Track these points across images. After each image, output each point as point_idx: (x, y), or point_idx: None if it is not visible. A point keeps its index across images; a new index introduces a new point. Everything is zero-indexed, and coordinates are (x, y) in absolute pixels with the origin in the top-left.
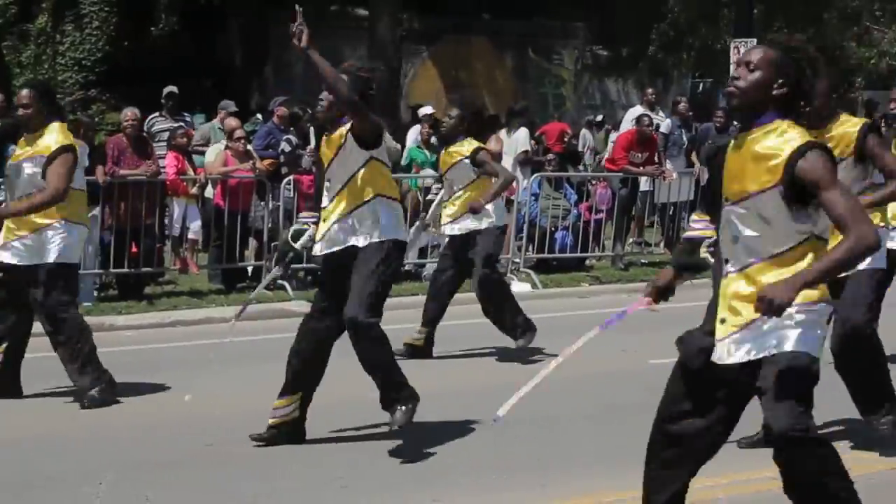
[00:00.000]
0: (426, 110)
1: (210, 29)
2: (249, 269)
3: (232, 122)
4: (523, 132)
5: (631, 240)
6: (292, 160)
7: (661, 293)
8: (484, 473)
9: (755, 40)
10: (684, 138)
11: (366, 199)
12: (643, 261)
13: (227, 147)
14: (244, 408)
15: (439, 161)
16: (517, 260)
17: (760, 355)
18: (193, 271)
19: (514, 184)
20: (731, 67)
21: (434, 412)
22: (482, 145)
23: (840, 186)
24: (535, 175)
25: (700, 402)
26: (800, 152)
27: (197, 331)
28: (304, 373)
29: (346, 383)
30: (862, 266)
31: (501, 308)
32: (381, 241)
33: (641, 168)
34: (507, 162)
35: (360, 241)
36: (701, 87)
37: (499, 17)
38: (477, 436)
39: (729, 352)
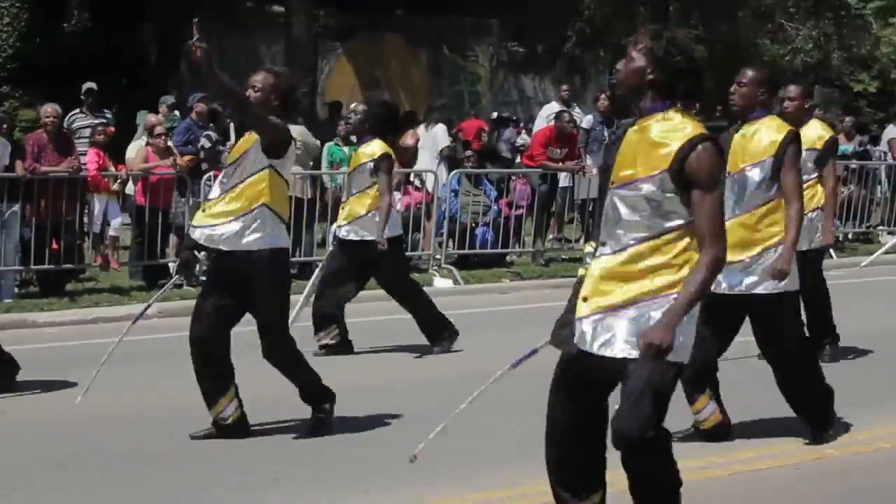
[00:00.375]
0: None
1: (124, 25)
2: (171, 265)
3: (152, 118)
4: (441, 128)
5: (551, 236)
6: (212, 156)
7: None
8: (411, 466)
9: None
10: (605, 134)
11: (253, 207)
12: (563, 257)
13: (147, 143)
14: (168, 405)
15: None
16: (438, 256)
17: (621, 356)
18: (114, 268)
19: (432, 180)
20: None
21: (362, 407)
22: (390, 152)
23: (716, 194)
24: (455, 172)
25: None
26: (692, 143)
27: (118, 327)
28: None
29: (264, 380)
30: None
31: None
32: (271, 254)
33: (561, 164)
34: (427, 157)
35: (239, 245)
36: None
37: (413, 14)
38: (405, 429)
39: (590, 335)
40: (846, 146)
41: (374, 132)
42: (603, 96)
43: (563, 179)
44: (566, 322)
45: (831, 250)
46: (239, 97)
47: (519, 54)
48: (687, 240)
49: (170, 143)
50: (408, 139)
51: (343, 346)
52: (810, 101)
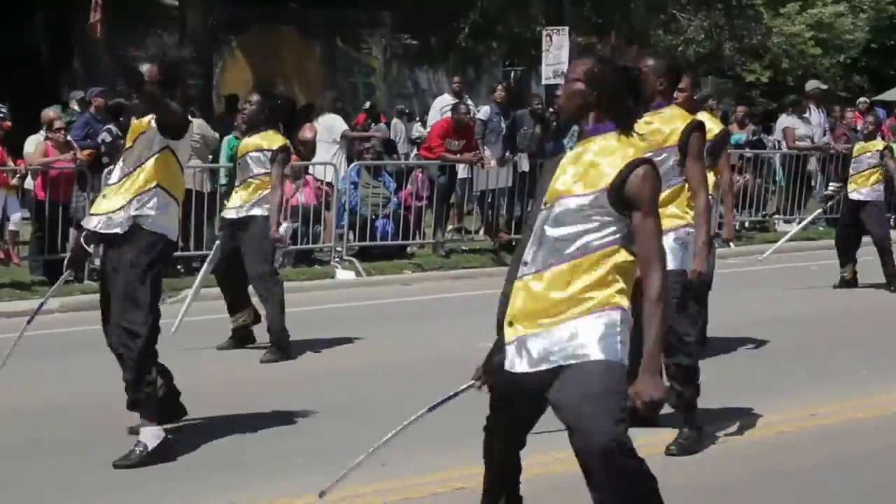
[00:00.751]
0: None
1: (15, 20)
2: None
3: (50, 112)
4: (334, 117)
5: (451, 227)
6: (114, 150)
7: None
8: (324, 455)
9: (567, 28)
10: (503, 125)
11: (148, 187)
12: (464, 248)
13: (46, 138)
14: (71, 397)
15: (239, 147)
16: (339, 248)
17: (558, 364)
18: (15, 263)
19: (332, 173)
20: (543, 56)
21: (269, 401)
22: (287, 144)
23: (656, 216)
24: (354, 164)
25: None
26: (631, 166)
27: (20, 322)
28: None
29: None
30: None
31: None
32: (152, 240)
33: (459, 155)
34: (324, 150)
35: (127, 227)
36: (513, 75)
37: (306, 7)
38: (317, 421)
39: (520, 356)
40: (740, 135)
41: (270, 123)
42: (500, 87)
43: (462, 171)
44: (495, 353)
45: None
46: (137, 76)
47: (412, 46)
48: (614, 259)
49: (69, 138)
50: (306, 132)
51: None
52: (699, 92)
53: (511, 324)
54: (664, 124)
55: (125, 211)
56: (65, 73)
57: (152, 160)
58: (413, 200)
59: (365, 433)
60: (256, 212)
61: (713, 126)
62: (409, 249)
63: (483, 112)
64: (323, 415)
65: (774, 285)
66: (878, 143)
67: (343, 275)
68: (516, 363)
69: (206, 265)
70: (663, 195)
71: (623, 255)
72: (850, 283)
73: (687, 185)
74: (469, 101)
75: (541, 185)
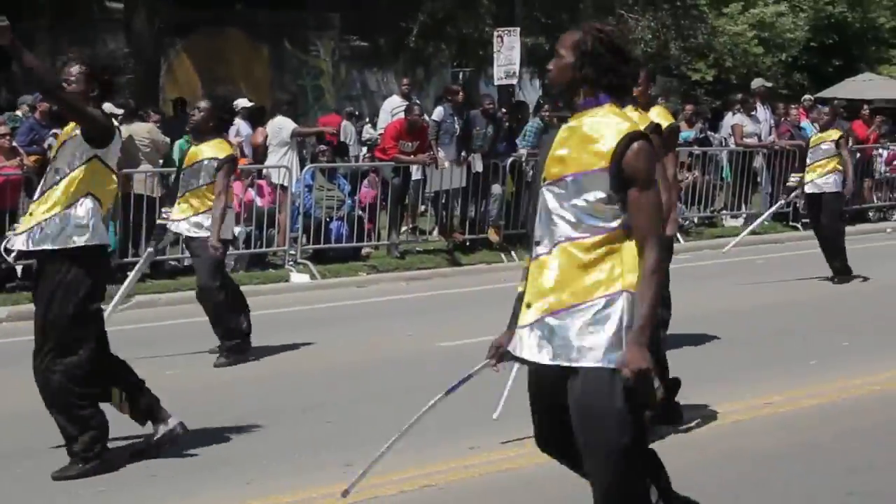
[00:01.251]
0: (242, 103)
1: None
2: (19, 268)
3: None
4: (287, 120)
5: (405, 228)
6: None
7: (502, 355)
8: (291, 455)
9: (518, 29)
10: (456, 126)
11: (77, 199)
12: (418, 248)
13: None
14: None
15: (186, 155)
16: (293, 251)
17: (563, 364)
18: None
19: (284, 176)
20: (495, 56)
21: (226, 404)
22: (234, 155)
23: (652, 191)
24: (308, 167)
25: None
26: (628, 140)
27: None
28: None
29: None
30: None
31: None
32: (72, 257)
33: (413, 156)
34: (275, 153)
35: (66, 243)
36: (461, 76)
37: (253, 8)
38: (283, 421)
39: (530, 344)
40: (688, 133)
41: (218, 131)
42: (458, 89)
43: (416, 172)
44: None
45: (678, 234)
46: (51, 82)
47: (361, 48)
48: (619, 240)
49: (14, 144)
50: (257, 137)
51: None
52: (653, 86)
53: (529, 306)
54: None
55: (50, 227)
56: (2, 75)
57: (78, 170)
58: (366, 202)
59: (326, 433)
60: (207, 224)
61: (663, 121)
62: (363, 251)
63: (437, 113)
64: (282, 416)
65: (722, 279)
66: (834, 133)
67: (297, 278)
68: (534, 351)
69: (135, 270)
70: None
71: (628, 232)
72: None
73: None
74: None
75: (539, 162)
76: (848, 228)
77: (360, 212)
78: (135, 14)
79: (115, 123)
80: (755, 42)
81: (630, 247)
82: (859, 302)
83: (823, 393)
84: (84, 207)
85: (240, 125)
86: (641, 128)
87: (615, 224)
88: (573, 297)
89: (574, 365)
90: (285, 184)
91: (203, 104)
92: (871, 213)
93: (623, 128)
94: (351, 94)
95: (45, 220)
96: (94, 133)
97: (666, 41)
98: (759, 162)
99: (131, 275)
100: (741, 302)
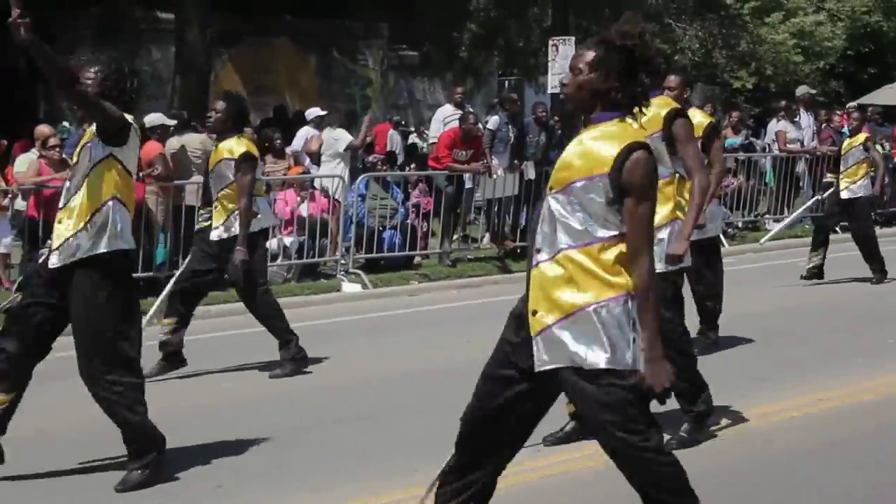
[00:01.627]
0: (315, 112)
1: None
2: None
3: (45, 129)
4: (343, 131)
5: (456, 236)
6: None
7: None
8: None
9: (573, 38)
10: (510, 134)
11: (102, 202)
12: (469, 257)
13: (40, 156)
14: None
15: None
16: (345, 262)
17: (564, 365)
18: (6, 286)
19: (341, 184)
20: (549, 65)
21: (281, 415)
22: (252, 151)
23: (648, 204)
24: (362, 176)
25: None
26: (629, 150)
27: None
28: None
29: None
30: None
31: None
32: (102, 268)
33: (467, 165)
34: (329, 162)
35: (84, 252)
36: (507, 85)
37: (301, 18)
38: (330, 432)
39: (543, 351)
40: (734, 139)
41: (237, 129)
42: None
43: (468, 180)
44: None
45: (722, 237)
46: (66, 76)
47: (409, 57)
48: (620, 247)
49: (63, 156)
50: (312, 144)
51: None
52: (689, 92)
53: (535, 313)
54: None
55: (81, 237)
56: (41, 85)
57: (97, 169)
58: (429, 209)
59: (385, 442)
60: (236, 225)
61: (703, 120)
62: (415, 260)
63: (492, 122)
64: (337, 426)
65: (764, 281)
66: (861, 136)
67: (349, 287)
68: (540, 357)
69: (173, 280)
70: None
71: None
72: (818, 273)
73: (677, 177)
74: (472, 111)
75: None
76: (886, 230)
77: (416, 220)
78: (186, 26)
79: (135, 125)
80: (796, 51)
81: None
82: None
83: (870, 389)
84: (107, 212)
85: (308, 132)
86: (661, 115)
87: (616, 232)
88: (574, 303)
89: (574, 366)
90: (338, 194)
91: (219, 104)
92: None
93: (628, 138)
94: (398, 104)
95: (74, 234)
96: (108, 126)
97: (711, 49)
98: (801, 167)
99: (168, 285)
100: (785, 301)
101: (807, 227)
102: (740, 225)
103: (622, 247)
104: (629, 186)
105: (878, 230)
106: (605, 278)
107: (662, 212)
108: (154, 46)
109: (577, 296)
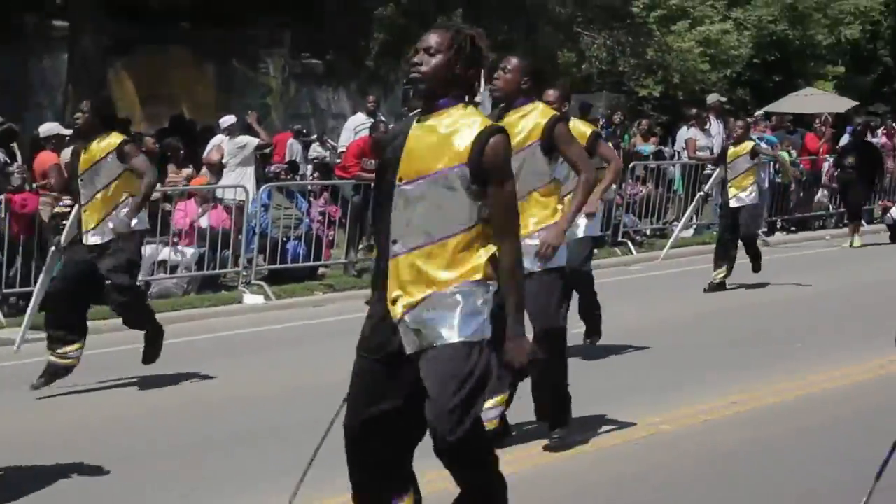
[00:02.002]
0: (229, 120)
1: None
2: None
3: None
4: (246, 137)
5: (362, 246)
6: (1, 178)
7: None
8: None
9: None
10: None
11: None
12: None
13: None
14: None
15: (80, 161)
16: (247, 273)
17: (423, 346)
18: None
19: (244, 193)
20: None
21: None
22: (127, 137)
23: (510, 184)
24: (265, 185)
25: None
26: (487, 134)
27: None
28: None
29: None
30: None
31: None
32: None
33: (375, 174)
34: (234, 171)
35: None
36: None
37: (198, 26)
38: (235, 444)
39: (407, 336)
40: (645, 147)
41: (106, 127)
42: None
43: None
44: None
45: (630, 244)
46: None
47: (313, 66)
48: (475, 236)
49: None
50: (213, 155)
51: None
52: (568, 105)
53: (395, 301)
54: (527, 120)
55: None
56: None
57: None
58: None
59: (284, 456)
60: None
61: (585, 129)
62: (319, 271)
63: None
64: (240, 438)
65: (670, 289)
66: (748, 144)
67: (251, 299)
68: (406, 342)
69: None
70: (537, 195)
71: (485, 229)
72: (720, 286)
73: (555, 185)
74: (382, 119)
75: (388, 160)
76: (791, 236)
77: (321, 230)
78: (81, 34)
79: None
80: (703, 59)
81: (489, 240)
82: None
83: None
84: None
85: (223, 141)
86: (541, 124)
87: (474, 221)
88: (435, 287)
89: (427, 346)
90: (242, 204)
91: (83, 106)
92: (816, 222)
93: (481, 124)
94: (299, 113)
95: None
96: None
97: (617, 58)
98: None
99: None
100: (687, 310)
101: (714, 233)
102: (648, 232)
103: (479, 232)
104: (492, 169)
105: (784, 236)
106: (462, 264)
107: (539, 216)
108: (46, 55)
109: (434, 282)
